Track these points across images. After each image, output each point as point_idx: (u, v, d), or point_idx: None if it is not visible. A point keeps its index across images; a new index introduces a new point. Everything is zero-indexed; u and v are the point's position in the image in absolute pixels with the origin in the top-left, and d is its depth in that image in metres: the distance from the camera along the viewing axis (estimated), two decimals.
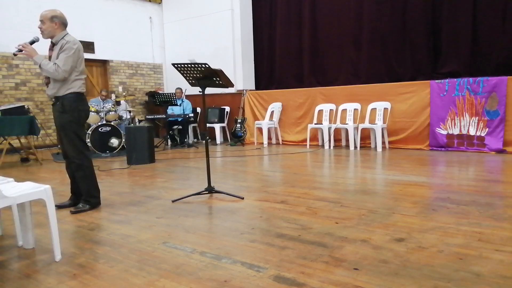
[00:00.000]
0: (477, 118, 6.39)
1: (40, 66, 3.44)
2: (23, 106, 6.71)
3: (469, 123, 6.47)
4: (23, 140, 6.86)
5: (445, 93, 6.66)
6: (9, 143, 6.61)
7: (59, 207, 3.58)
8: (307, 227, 2.92)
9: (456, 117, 6.58)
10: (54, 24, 3.50)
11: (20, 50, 3.40)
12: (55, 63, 3.41)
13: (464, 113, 6.50)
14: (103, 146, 7.37)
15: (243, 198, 3.82)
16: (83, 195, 3.66)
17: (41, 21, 3.50)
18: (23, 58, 8.59)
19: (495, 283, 1.95)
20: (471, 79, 6.44)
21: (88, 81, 10.05)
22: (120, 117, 7.97)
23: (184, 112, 8.77)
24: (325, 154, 6.95)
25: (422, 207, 3.36)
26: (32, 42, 3.50)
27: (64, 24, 3.55)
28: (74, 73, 3.51)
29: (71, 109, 3.51)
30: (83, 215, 3.48)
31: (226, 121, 9.59)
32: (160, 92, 10.22)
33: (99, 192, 3.77)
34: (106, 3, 10.13)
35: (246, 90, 9.28)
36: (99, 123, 7.38)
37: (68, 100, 3.50)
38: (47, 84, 3.56)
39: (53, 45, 3.57)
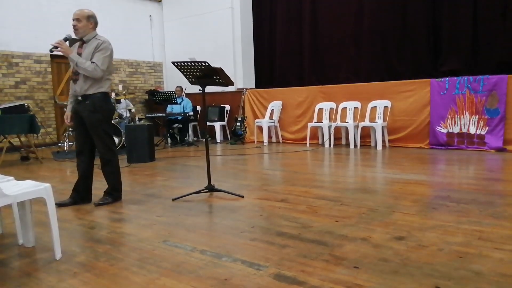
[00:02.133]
0: (477, 116, 6.39)
1: (76, 64, 3.52)
2: (23, 104, 6.70)
3: (469, 121, 6.46)
4: (23, 138, 6.86)
5: (445, 92, 6.66)
6: (9, 142, 6.61)
7: (59, 205, 3.58)
8: (307, 225, 2.93)
9: (456, 115, 6.58)
10: (90, 24, 3.63)
11: (56, 47, 3.48)
12: (93, 62, 3.52)
13: (464, 111, 6.50)
14: None
15: (243, 197, 3.82)
16: (109, 188, 3.84)
17: (77, 19, 3.58)
18: (23, 56, 8.59)
19: (495, 282, 1.95)
20: (471, 77, 6.44)
21: None
22: (120, 116, 7.96)
23: (184, 111, 8.76)
24: (325, 153, 6.95)
25: (422, 205, 3.36)
26: (65, 40, 3.59)
27: (96, 24, 3.69)
28: (105, 74, 3.63)
29: (101, 109, 3.64)
30: (84, 213, 3.48)
31: (226, 120, 9.58)
32: (160, 90, 10.22)
33: (121, 187, 3.95)
34: (106, 1, 10.11)
35: (246, 89, 9.27)
36: None
37: (98, 99, 3.62)
38: (75, 81, 3.63)
39: (83, 43, 3.66)
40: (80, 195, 3.80)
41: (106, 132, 3.70)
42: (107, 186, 3.87)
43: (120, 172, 3.91)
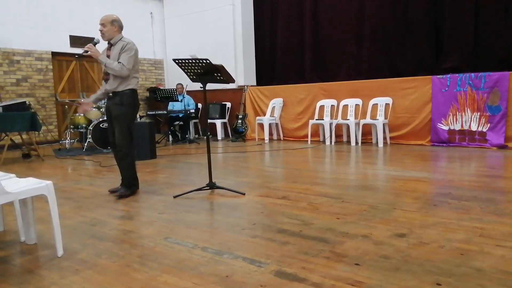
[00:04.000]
0: (478, 113, 6.38)
1: (105, 64, 3.82)
2: (25, 102, 6.71)
3: (471, 118, 6.45)
4: (24, 136, 6.87)
5: (446, 89, 6.64)
6: (11, 139, 6.62)
7: (112, 192, 4.05)
8: (308, 222, 2.93)
9: (457, 112, 6.56)
10: (114, 27, 3.91)
11: (87, 51, 3.79)
12: (120, 62, 3.81)
13: (466, 108, 6.48)
14: (104, 142, 7.36)
15: (244, 194, 3.83)
16: (125, 182, 4.04)
17: (102, 24, 3.88)
18: (24, 54, 8.58)
19: (496, 278, 1.95)
20: (473, 74, 6.42)
21: (90, 77, 10.05)
22: None
23: (185, 108, 8.76)
24: (326, 150, 6.95)
25: (424, 202, 3.36)
26: (94, 43, 3.88)
27: (121, 27, 3.97)
28: (132, 72, 3.90)
29: (128, 103, 3.91)
30: (85, 210, 3.49)
31: (227, 117, 9.58)
32: (161, 87, 10.22)
33: (138, 180, 4.18)
34: None
35: (247, 86, 9.26)
36: (100, 119, 7.37)
37: (126, 95, 3.90)
38: (106, 80, 3.92)
39: (110, 45, 3.96)
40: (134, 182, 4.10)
41: (128, 126, 3.94)
42: (109, 183, 3.87)
43: (135, 166, 4.13)
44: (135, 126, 6.41)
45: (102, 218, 3.25)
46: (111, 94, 3.95)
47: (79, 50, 9.39)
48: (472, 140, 6.47)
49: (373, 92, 7.40)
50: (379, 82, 7.43)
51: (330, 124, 7.64)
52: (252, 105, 9.14)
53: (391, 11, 7.88)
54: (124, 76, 3.84)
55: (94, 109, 7.44)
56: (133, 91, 3.95)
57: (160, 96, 8.78)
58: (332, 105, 7.86)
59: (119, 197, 3.90)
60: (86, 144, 7.48)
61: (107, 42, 3.97)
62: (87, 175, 5.26)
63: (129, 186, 4.03)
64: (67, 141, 7.85)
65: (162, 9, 11.28)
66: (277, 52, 9.68)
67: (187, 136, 8.86)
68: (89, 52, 3.78)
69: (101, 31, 3.88)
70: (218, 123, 9.26)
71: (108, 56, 3.89)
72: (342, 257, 2.28)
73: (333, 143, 7.62)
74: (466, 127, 6.51)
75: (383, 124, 7.06)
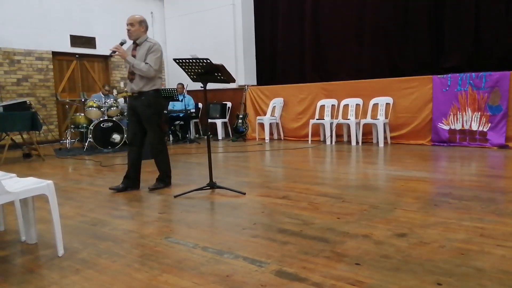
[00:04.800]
0: (479, 113, 6.37)
1: (133, 65, 3.93)
2: (25, 101, 6.71)
3: (472, 118, 6.45)
4: (25, 135, 6.87)
5: (447, 88, 6.64)
6: (11, 139, 6.63)
7: (112, 189, 4.12)
8: (308, 222, 2.93)
9: (458, 112, 6.56)
10: (142, 28, 4.02)
11: (114, 51, 3.90)
12: (147, 63, 3.91)
13: (467, 108, 6.48)
14: (105, 142, 7.37)
15: (245, 194, 3.83)
16: (161, 175, 4.23)
17: (131, 24, 3.97)
18: (25, 53, 8.60)
19: (497, 278, 1.95)
20: (473, 74, 6.42)
21: (90, 76, 10.05)
22: (121, 113, 7.97)
23: (186, 107, 8.76)
24: (327, 150, 6.95)
25: (424, 202, 3.36)
26: (121, 43, 4.00)
27: (147, 28, 4.08)
28: (157, 72, 4.03)
29: (155, 104, 4.04)
30: (86, 210, 3.49)
31: (227, 117, 9.58)
32: (161, 87, 10.21)
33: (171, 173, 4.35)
34: None
35: (247, 86, 9.26)
36: (101, 119, 7.38)
37: (152, 96, 4.03)
38: (132, 80, 4.02)
39: (136, 45, 4.05)
40: (131, 181, 4.20)
41: (158, 124, 4.12)
42: (109, 183, 3.88)
43: (169, 160, 4.30)
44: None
45: (102, 218, 3.26)
46: (135, 93, 4.06)
47: (79, 50, 9.48)
48: (473, 140, 6.46)
49: (373, 92, 7.39)
50: (380, 82, 7.43)
51: (331, 124, 7.64)
52: (253, 104, 9.14)
53: (391, 10, 7.87)
54: (150, 76, 3.96)
55: (94, 108, 7.45)
56: (158, 91, 4.11)
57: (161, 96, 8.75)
58: (332, 105, 7.86)
59: (151, 190, 4.11)
60: (86, 144, 7.48)
61: (132, 41, 4.08)
62: (87, 174, 5.26)
63: (163, 179, 4.22)
64: (67, 140, 7.86)
65: (162, 8, 11.28)
66: (277, 51, 9.67)
67: (187, 135, 8.86)
68: (116, 53, 3.89)
69: (128, 30, 3.98)
70: (219, 122, 9.26)
71: (134, 56, 4.00)
72: (343, 257, 2.28)
73: (333, 142, 7.62)
74: (466, 127, 6.51)
75: (384, 124, 7.05)
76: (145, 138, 4.19)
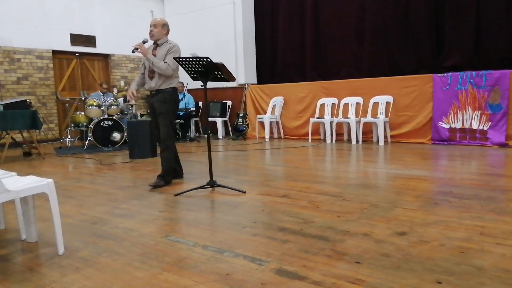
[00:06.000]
0: (479, 112, 6.37)
1: (152, 63, 4.12)
2: (25, 100, 6.71)
3: (472, 117, 6.44)
4: (25, 134, 6.87)
5: (447, 87, 6.64)
6: (12, 138, 6.63)
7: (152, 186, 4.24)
8: (309, 220, 2.93)
9: (458, 110, 6.56)
10: (163, 30, 4.26)
11: (137, 49, 4.10)
12: (166, 62, 4.12)
13: (467, 106, 6.48)
14: (105, 140, 7.38)
15: (245, 192, 3.83)
16: (162, 172, 4.30)
17: (154, 25, 4.22)
18: (25, 52, 8.59)
19: (497, 277, 1.95)
20: (474, 72, 6.41)
21: (90, 75, 10.05)
22: (122, 111, 7.97)
23: (186, 106, 8.76)
24: (327, 148, 6.95)
25: (424, 201, 3.36)
26: (143, 42, 4.23)
27: (169, 31, 4.32)
28: (175, 72, 4.24)
29: (171, 101, 4.25)
30: (86, 208, 3.50)
31: (228, 115, 9.58)
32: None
33: (182, 168, 4.59)
34: None
35: (248, 84, 9.26)
36: (101, 117, 7.38)
37: (169, 93, 4.23)
38: (152, 78, 4.24)
39: (156, 46, 4.28)
40: (176, 172, 4.47)
41: (171, 121, 4.29)
42: (110, 181, 3.87)
43: (178, 157, 4.49)
44: (147, 123, 6.49)
45: (103, 216, 3.26)
46: (154, 91, 4.27)
47: (79, 48, 9.47)
48: (473, 138, 6.46)
49: (374, 91, 7.39)
50: (380, 81, 7.42)
51: (331, 123, 7.63)
52: (253, 103, 9.13)
53: (392, 9, 7.86)
54: (168, 75, 4.16)
55: (94, 107, 7.45)
56: (174, 89, 4.30)
57: None
58: (333, 104, 7.85)
59: (153, 187, 4.17)
60: (87, 143, 7.48)
61: (153, 42, 4.29)
62: (88, 173, 5.26)
63: (164, 177, 4.28)
64: (68, 139, 7.86)
65: (162, 7, 11.27)
66: (277, 50, 9.67)
67: (187, 134, 8.85)
68: (139, 50, 4.09)
69: (151, 31, 4.21)
70: (219, 121, 9.26)
71: (154, 55, 4.20)
72: (343, 255, 2.28)
73: (333, 141, 7.62)
74: (467, 126, 6.50)
75: (384, 123, 7.05)
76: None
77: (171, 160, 4.34)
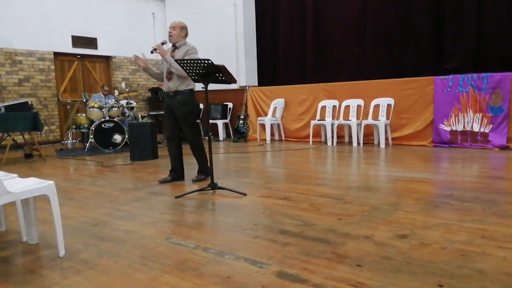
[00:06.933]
0: (481, 114, 6.36)
1: (170, 64, 4.23)
2: (27, 102, 6.72)
3: (473, 119, 6.44)
4: (26, 136, 6.89)
5: (449, 89, 6.63)
6: (13, 139, 6.64)
7: (162, 182, 4.52)
8: (310, 223, 2.93)
9: (459, 113, 6.55)
10: (182, 33, 4.38)
11: (155, 49, 4.22)
12: None
13: (468, 109, 6.47)
14: (106, 142, 7.38)
15: (246, 195, 3.83)
16: (201, 167, 4.57)
17: (173, 27, 4.34)
18: (26, 54, 8.61)
19: (499, 280, 1.95)
20: (475, 75, 6.41)
21: (92, 77, 10.06)
22: (123, 113, 7.98)
23: None
24: (328, 151, 6.94)
25: (425, 203, 3.35)
26: (162, 43, 4.33)
27: (187, 34, 4.43)
28: None
29: (190, 102, 4.37)
30: (87, 210, 3.50)
31: (228, 117, 9.58)
32: (163, 88, 10.22)
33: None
34: None
35: (248, 86, 9.27)
36: (102, 119, 7.39)
37: (187, 95, 4.36)
38: (170, 79, 4.36)
39: (175, 48, 4.41)
40: (178, 173, 4.60)
41: (193, 122, 4.43)
42: (111, 183, 3.87)
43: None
44: (148, 125, 6.50)
45: (104, 218, 3.26)
46: (172, 92, 4.38)
47: (81, 50, 9.50)
48: (474, 141, 6.45)
49: (375, 93, 7.39)
50: (381, 83, 7.42)
51: (332, 125, 7.63)
52: (254, 105, 9.14)
53: (393, 11, 7.87)
54: (185, 76, 4.23)
55: (96, 109, 7.46)
56: (192, 91, 4.43)
57: (162, 97, 8.78)
58: (334, 106, 7.85)
59: (195, 181, 4.46)
60: (88, 144, 7.49)
61: (172, 44, 4.42)
62: (89, 175, 5.27)
63: (204, 171, 4.51)
64: (69, 141, 7.87)
65: (164, 9, 11.30)
66: (279, 52, 9.68)
67: None
68: (157, 50, 4.21)
69: (170, 33, 4.33)
70: (220, 123, 9.27)
71: (172, 57, 4.31)
72: (344, 258, 2.27)
73: (334, 143, 7.62)
74: (468, 128, 6.50)
75: (385, 125, 7.05)
76: (181, 133, 4.55)
77: (204, 154, 4.53)
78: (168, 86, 4.40)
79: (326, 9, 8.78)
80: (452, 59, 7.30)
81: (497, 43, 6.82)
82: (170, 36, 4.35)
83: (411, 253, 2.32)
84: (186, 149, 4.72)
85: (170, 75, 4.35)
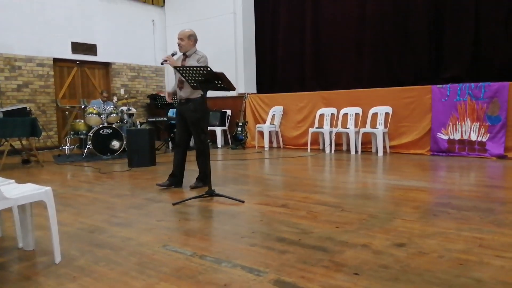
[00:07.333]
0: (478, 123, 6.39)
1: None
2: (25, 107, 6.72)
3: (471, 128, 6.46)
4: (24, 141, 6.87)
5: (446, 98, 6.66)
6: (11, 145, 6.63)
7: (160, 185, 4.54)
8: (307, 231, 2.92)
9: (457, 122, 6.58)
10: (190, 41, 4.40)
11: (166, 61, 4.28)
12: None
13: (466, 118, 6.50)
14: (104, 149, 7.37)
15: (243, 202, 3.82)
16: (201, 175, 4.58)
17: (181, 38, 4.36)
18: (26, 59, 8.64)
19: None
20: (472, 84, 6.45)
21: (90, 83, 10.08)
22: (121, 120, 7.98)
23: None
24: (326, 158, 6.95)
25: (423, 212, 3.35)
26: (172, 54, 4.41)
27: (196, 41, 4.46)
28: None
29: (201, 109, 4.35)
30: (84, 217, 3.48)
31: (227, 124, 9.59)
32: (161, 95, 10.24)
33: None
34: (109, 5, 10.17)
35: (247, 94, 9.29)
36: (101, 125, 7.38)
37: (198, 102, 4.38)
38: (181, 88, 4.43)
39: (185, 57, 4.44)
40: (177, 179, 4.60)
41: (203, 129, 4.39)
42: (108, 190, 3.86)
43: (209, 162, 4.42)
44: (147, 131, 6.50)
45: (100, 225, 3.24)
46: (183, 100, 4.44)
47: (80, 57, 9.52)
48: (472, 150, 6.47)
49: (373, 101, 7.42)
50: (379, 91, 7.45)
51: (330, 133, 7.65)
52: (252, 112, 9.15)
53: (391, 20, 7.93)
54: None
55: (94, 115, 7.46)
56: (203, 98, 4.33)
57: (160, 103, 8.79)
58: (332, 114, 7.87)
59: (193, 188, 4.47)
60: (85, 151, 7.48)
61: (182, 53, 4.47)
62: (86, 181, 5.25)
63: (203, 179, 4.51)
64: (66, 147, 7.84)
65: (164, 16, 11.36)
66: (277, 60, 9.72)
67: None
68: (168, 62, 4.27)
69: (179, 44, 4.37)
70: (218, 130, 9.27)
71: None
72: (341, 266, 2.27)
73: (332, 151, 7.63)
74: (465, 137, 6.52)
75: (383, 133, 7.06)
76: (190, 140, 4.67)
77: (207, 163, 4.40)
78: (180, 94, 4.47)
79: (325, 17, 8.84)
80: (450, 68, 7.34)
81: (494, 52, 6.87)
82: (180, 46, 4.39)
83: (409, 261, 2.31)
84: (190, 156, 4.72)
85: (181, 84, 4.41)
